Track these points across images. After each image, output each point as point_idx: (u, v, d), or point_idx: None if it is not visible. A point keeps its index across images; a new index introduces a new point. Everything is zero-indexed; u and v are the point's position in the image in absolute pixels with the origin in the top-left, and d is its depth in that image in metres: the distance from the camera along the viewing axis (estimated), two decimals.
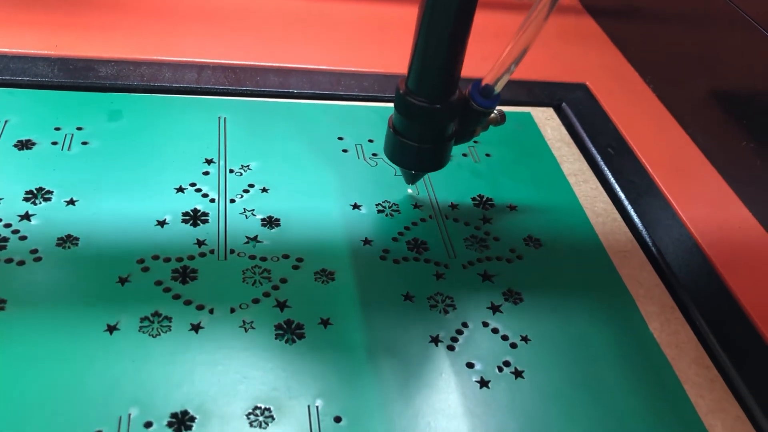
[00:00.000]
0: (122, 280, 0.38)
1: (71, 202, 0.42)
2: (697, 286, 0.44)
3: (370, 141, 0.51)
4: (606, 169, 0.53)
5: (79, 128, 0.47)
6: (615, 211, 0.49)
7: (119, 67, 0.53)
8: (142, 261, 0.39)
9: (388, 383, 0.36)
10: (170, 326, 0.36)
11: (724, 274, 0.45)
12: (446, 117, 0.41)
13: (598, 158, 0.54)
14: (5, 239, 0.39)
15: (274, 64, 0.57)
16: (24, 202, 0.42)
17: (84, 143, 0.46)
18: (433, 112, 0.41)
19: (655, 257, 0.46)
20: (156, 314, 0.37)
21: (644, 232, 0.48)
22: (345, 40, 0.62)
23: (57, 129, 0.47)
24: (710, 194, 0.52)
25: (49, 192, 0.43)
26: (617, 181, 0.52)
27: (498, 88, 0.42)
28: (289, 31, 0.62)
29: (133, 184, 0.44)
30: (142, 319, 0.37)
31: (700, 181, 0.54)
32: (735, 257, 0.46)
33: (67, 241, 0.40)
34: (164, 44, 0.57)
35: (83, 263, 0.39)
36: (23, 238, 0.40)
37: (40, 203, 0.42)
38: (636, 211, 0.49)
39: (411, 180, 0.47)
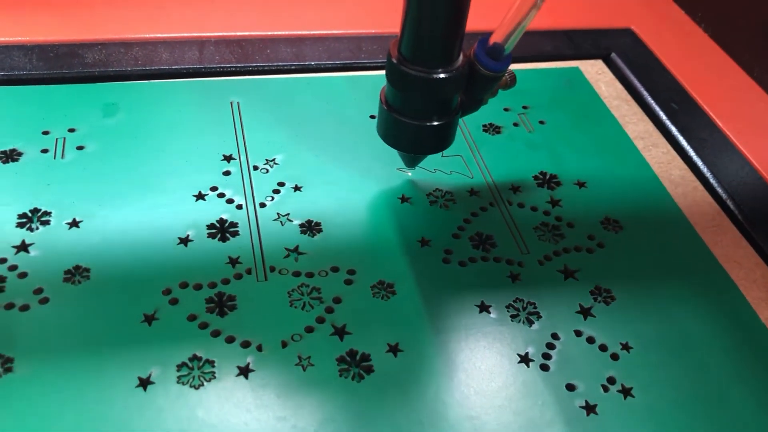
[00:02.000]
0: (148, 318, 0.32)
1: (74, 223, 0.35)
2: None
3: None
4: (673, 128, 0.46)
5: (71, 130, 0.40)
6: (693, 177, 0.43)
7: (108, 50, 0.46)
8: (168, 291, 0.33)
9: (481, 421, 0.30)
10: (214, 372, 0.30)
11: None
12: (450, 88, 0.34)
13: (663, 116, 0.47)
14: (2, 279, 0.33)
15: (284, 33, 0.50)
16: (18, 228, 0.35)
17: (79, 148, 0.39)
18: (433, 83, 0.34)
19: (747, 230, 0.40)
20: (195, 358, 0.31)
21: (730, 201, 0.42)
22: None
23: (45, 133, 0.40)
24: None
25: (47, 213, 0.36)
26: (688, 142, 0.45)
27: (509, 47, 0.35)
28: None
29: (144, 193, 0.37)
30: (180, 367, 0.30)
31: None
32: None
33: (76, 273, 0.33)
34: (157, 19, 0.49)
35: (99, 301, 0.32)
36: (23, 275, 0.33)
37: (38, 228, 0.35)
38: (715, 176, 0.43)
39: (411, 163, 0.40)
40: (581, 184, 0.41)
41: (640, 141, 0.45)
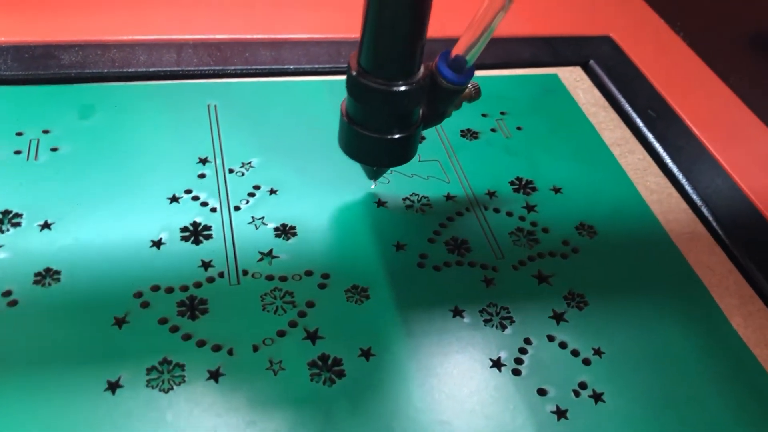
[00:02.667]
0: (119, 322, 0.32)
1: (46, 225, 0.35)
2: None
3: None
4: (650, 135, 0.47)
5: (45, 131, 0.40)
6: (669, 185, 0.43)
7: (85, 52, 0.46)
8: (140, 294, 0.33)
9: (452, 426, 0.30)
10: (184, 376, 0.30)
11: None
12: (411, 101, 0.34)
13: (639, 123, 0.48)
14: None
15: (263, 36, 0.49)
16: None
17: (53, 149, 0.39)
18: (394, 96, 0.33)
19: (722, 238, 0.40)
20: (165, 362, 0.31)
21: (704, 208, 0.42)
22: (340, 2, 0.55)
23: (19, 134, 0.40)
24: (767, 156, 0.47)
25: (18, 215, 0.35)
26: (665, 149, 0.46)
27: (472, 59, 0.34)
28: None
29: (118, 196, 0.37)
30: (149, 370, 0.30)
31: (754, 141, 0.48)
32: None
33: (47, 276, 0.33)
34: (134, 21, 0.49)
35: (69, 304, 0.32)
36: None
37: (8, 230, 0.35)
38: (691, 183, 0.43)
39: (374, 176, 0.39)
40: (557, 190, 0.42)
41: (617, 148, 0.45)
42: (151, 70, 0.45)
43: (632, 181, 0.43)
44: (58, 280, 0.33)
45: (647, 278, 0.38)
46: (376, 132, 0.35)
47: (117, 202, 0.37)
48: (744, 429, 0.32)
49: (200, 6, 0.51)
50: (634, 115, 0.48)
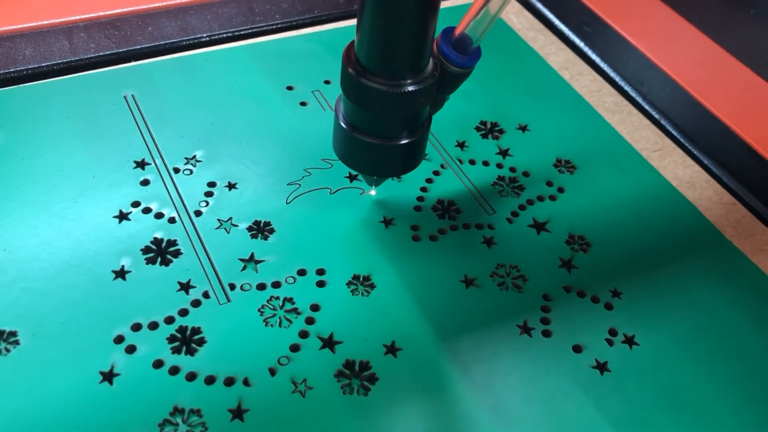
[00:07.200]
0: (107, 376, 0.27)
1: None
2: (746, 172, 0.39)
3: (327, 82, 0.40)
4: (592, 53, 0.45)
5: None
6: (626, 102, 0.42)
7: None
8: (121, 339, 0.28)
9: (505, 404, 0.28)
10: (203, 423, 0.26)
11: (762, 151, 0.40)
12: (426, 99, 0.29)
13: (579, 42, 0.46)
14: None
15: (161, 4, 0.43)
16: None
17: None
18: (404, 97, 0.28)
19: (690, 149, 0.40)
20: (177, 411, 0.26)
21: (665, 121, 0.42)
22: None
23: None
24: (706, 58, 0.47)
25: None
26: (610, 65, 0.45)
27: (478, 39, 0.30)
28: None
29: (56, 225, 0.31)
30: (162, 426, 0.26)
31: (688, 43, 0.48)
32: (763, 127, 0.42)
33: (1, 340, 0.28)
34: (6, 5, 0.41)
35: (41, 368, 0.27)
36: None
37: None
38: (644, 97, 0.43)
39: (375, 183, 0.35)
40: (524, 128, 0.40)
41: (566, 71, 0.44)
42: (44, 65, 0.38)
43: (591, 105, 0.42)
44: (17, 342, 0.28)
45: (634, 204, 0.37)
46: (385, 138, 0.30)
47: (56, 233, 0.31)
48: (764, 339, 0.32)
49: None
50: (571, 35, 0.46)
